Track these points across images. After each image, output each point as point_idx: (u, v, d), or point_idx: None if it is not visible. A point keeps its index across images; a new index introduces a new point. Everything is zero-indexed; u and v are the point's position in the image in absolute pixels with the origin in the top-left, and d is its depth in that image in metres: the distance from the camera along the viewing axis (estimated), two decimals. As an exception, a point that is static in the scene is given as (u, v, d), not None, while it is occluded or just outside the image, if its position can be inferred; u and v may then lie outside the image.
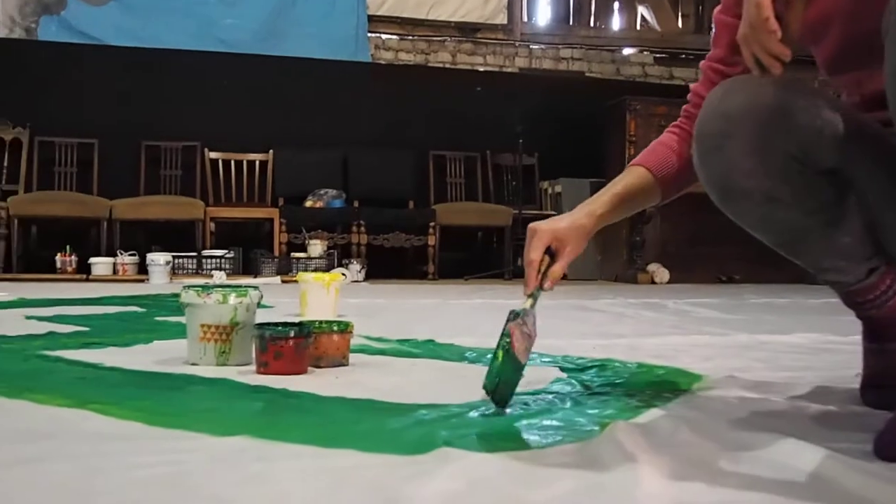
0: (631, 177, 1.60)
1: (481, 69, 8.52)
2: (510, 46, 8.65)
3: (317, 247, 6.73)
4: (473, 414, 1.37)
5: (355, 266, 6.56)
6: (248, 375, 1.74)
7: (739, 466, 1.07)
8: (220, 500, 0.90)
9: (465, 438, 1.17)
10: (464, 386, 1.67)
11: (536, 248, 1.48)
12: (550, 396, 1.53)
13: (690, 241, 7.02)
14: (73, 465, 1.04)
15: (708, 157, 1.41)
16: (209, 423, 1.26)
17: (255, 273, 6.55)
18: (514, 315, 1.40)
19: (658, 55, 8.98)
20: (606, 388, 1.65)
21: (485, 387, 1.38)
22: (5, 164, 6.88)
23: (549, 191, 7.70)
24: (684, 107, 1.65)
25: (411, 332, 2.58)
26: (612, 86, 8.13)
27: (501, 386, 1.37)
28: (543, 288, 1.48)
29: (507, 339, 1.38)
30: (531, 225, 1.51)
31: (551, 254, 1.49)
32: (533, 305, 1.45)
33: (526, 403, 1.46)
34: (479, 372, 1.89)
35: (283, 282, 6.19)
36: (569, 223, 1.51)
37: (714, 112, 1.39)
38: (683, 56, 8.87)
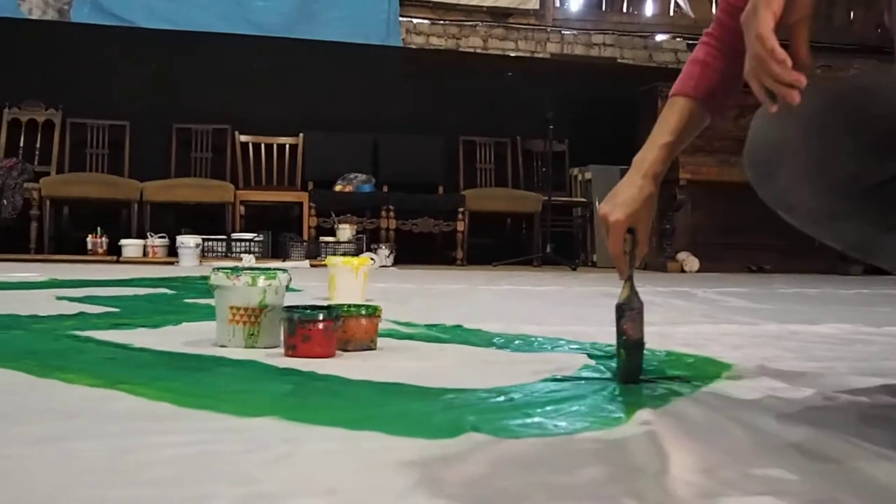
0: (676, 113, 1.56)
1: (513, 54, 8.49)
2: (542, 32, 8.61)
3: (346, 231, 6.75)
4: (501, 399, 1.36)
5: (384, 251, 6.57)
6: (276, 358, 1.75)
7: (768, 456, 1.06)
8: (247, 480, 0.91)
9: (492, 423, 1.17)
10: (491, 371, 1.67)
11: (618, 241, 1.50)
12: (579, 383, 1.52)
13: (721, 231, 6.98)
14: (102, 443, 1.04)
15: (762, 183, 1.38)
16: (237, 405, 1.26)
17: (284, 257, 6.57)
18: (620, 311, 1.49)
19: (691, 42, 8.91)
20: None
21: (620, 380, 1.50)
22: (38, 145, 6.94)
23: (580, 177, 7.67)
24: (717, 13, 1.58)
25: (439, 317, 2.58)
26: (645, 72, 8.08)
27: (632, 374, 1.51)
28: (635, 266, 1.53)
29: (623, 337, 1.49)
30: (602, 214, 1.52)
31: (630, 230, 1.52)
32: (631, 288, 1.50)
33: (555, 390, 1.45)
34: (507, 357, 1.90)
35: (312, 266, 6.22)
36: (639, 199, 1.51)
37: (763, 141, 1.35)
38: (716, 43, 8.77)
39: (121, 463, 0.97)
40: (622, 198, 1.52)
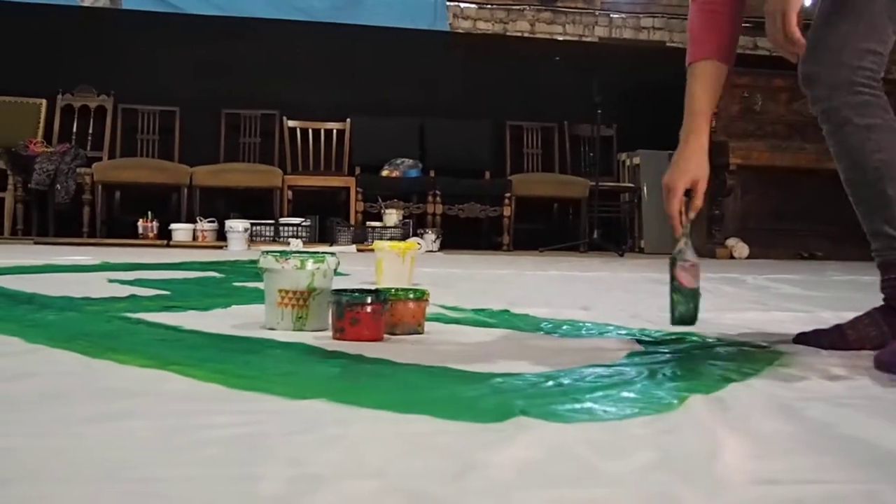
0: (709, 79, 1.93)
1: (560, 38, 8.44)
2: (590, 15, 8.55)
3: (392, 216, 6.76)
4: (549, 384, 1.36)
5: (430, 236, 6.57)
6: (324, 341, 1.75)
7: (820, 444, 1.04)
8: (295, 461, 0.91)
9: (541, 408, 1.16)
10: (539, 356, 1.66)
11: (675, 203, 1.77)
12: (628, 369, 1.51)
13: (771, 217, 6.88)
14: (153, 423, 1.06)
15: None
16: (286, 387, 1.26)
17: (331, 241, 6.60)
18: (673, 260, 1.75)
19: (743, 24, 8.78)
20: (685, 362, 1.62)
21: (672, 322, 1.76)
22: (90, 130, 7.03)
23: (628, 162, 7.61)
24: None
25: (486, 302, 2.57)
26: (694, 56, 7.97)
27: (682, 315, 1.74)
28: (690, 219, 1.78)
29: (676, 283, 1.74)
30: (666, 183, 1.78)
31: (687, 193, 1.79)
32: (686, 242, 1.75)
33: (604, 375, 1.44)
34: (555, 342, 1.89)
35: (359, 250, 6.24)
36: (696, 165, 1.79)
37: None
38: (768, 26, 8.65)
39: (172, 442, 0.98)
40: (683, 166, 1.79)
